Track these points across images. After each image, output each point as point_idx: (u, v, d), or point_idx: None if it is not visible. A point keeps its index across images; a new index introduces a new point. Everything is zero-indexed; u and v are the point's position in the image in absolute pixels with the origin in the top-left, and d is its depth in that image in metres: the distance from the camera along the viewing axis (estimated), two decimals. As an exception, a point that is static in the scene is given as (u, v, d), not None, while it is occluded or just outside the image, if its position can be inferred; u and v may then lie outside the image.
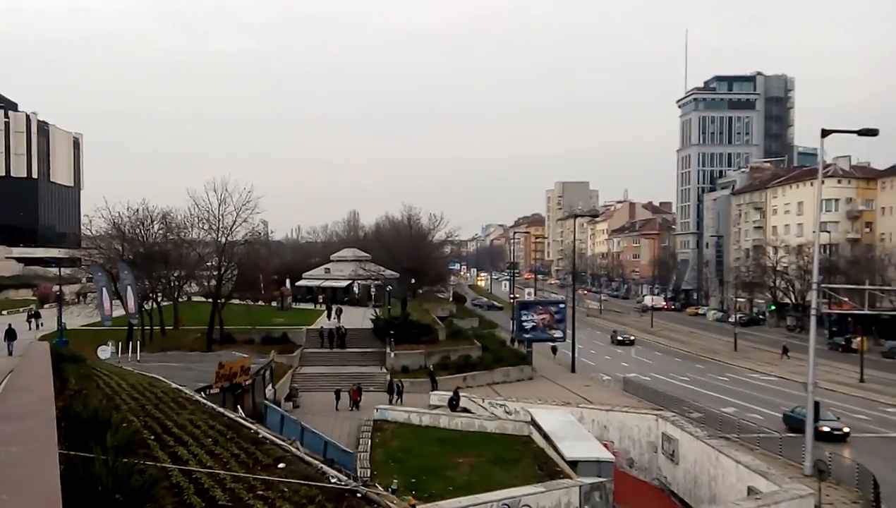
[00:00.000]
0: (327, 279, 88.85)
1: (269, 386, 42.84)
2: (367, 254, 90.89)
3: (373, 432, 34.68)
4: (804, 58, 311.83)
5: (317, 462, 15.17)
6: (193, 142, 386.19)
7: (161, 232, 62.82)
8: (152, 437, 12.72)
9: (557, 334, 64.72)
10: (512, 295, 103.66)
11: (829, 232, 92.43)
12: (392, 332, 57.11)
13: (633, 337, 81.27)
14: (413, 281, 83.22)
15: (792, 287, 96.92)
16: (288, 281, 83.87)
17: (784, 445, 32.41)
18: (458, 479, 26.68)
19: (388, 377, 49.61)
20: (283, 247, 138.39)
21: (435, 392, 46.70)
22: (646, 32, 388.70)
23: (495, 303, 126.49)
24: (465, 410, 41.06)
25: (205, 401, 23.38)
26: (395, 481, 24.24)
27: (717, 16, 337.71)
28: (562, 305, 67.92)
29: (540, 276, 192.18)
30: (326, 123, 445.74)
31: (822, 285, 33.96)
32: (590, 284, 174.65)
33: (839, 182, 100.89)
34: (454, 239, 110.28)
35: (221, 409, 22.08)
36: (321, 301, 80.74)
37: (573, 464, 26.94)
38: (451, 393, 44.02)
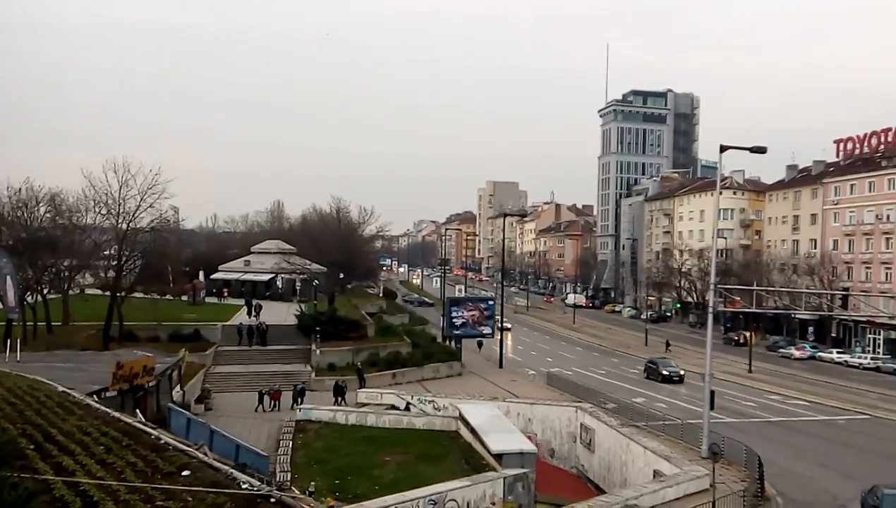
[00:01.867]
0: (247, 272, 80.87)
1: (178, 388, 38.17)
2: (291, 247, 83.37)
3: (295, 433, 32.82)
4: (708, 79, 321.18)
5: (227, 467, 13.92)
6: (93, 117, 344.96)
7: (49, 215, 54.29)
8: (31, 447, 11.38)
9: (486, 330, 63.87)
10: (456, 291, 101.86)
11: (725, 238, 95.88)
12: (318, 328, 53.52)
13: (682, 372, 58.47)
14: (341, 275, 77.39)
15: (694, 287, 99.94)
16: (201, 274, 76.96)
17: (684, 431, 33.34)
18: (384, 478, 26.17)
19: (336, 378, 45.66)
20: (196, 236, 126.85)
21: (363, 389, 44.47)
22: (574, 45, 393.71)
23: (426, 300, 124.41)
24: (393, 407, 40.38)
25: (97, 406, 21.26)
26: (313, 483, 23.14)
27: (636, 35, 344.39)
28: (491, 302, 67.09)
29: (471, 273, 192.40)
30: (251, 106, 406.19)
31: (719, 285, 34.92)
32: (518, 282, 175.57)
33: (734, 193, 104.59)
34: (385, 233, 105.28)
35: (117, 414, 20.12)
36: (225, 295, 74.05)
37: (498, 457, 27.04)
38: (377, 391, 42.91)
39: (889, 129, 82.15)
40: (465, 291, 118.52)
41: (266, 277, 79.63)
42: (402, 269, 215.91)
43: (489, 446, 28.31)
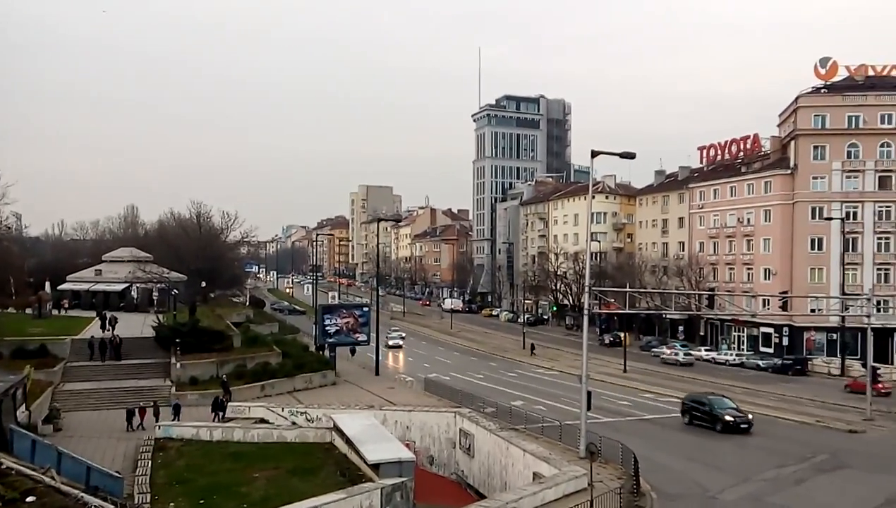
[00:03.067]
0: (98, 282, 77.66)
1: (23, 408, 35.79)
2: (148, 255, 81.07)
3: (154, 452, 31.58)
4: (581, 85, 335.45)
5: (77, 491, 13.27)
6: None
7: None
8: None
9: (362, 337, 63.53)
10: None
11: (598, 241, 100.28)
12: (178, 341, 51.65)
13: (749, 415, 42.76)
14: (203, 284, 75.50)
15: (570, 289, 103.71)
16: (48, 285, 73.17)
17: (563, 432, 34.34)
18: (253, 495, 25.41)
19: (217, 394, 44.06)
20: (41, 244, 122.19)
21: (229, 403, 43.08)
22: (447, 47, 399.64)
23: (297, 308, 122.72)
24: (263, 421, 39.41)
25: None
26: (172, 505, 22.25)
27: (509, 39, 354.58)
28: (365, 309, 66.87)
29: (345, 279, 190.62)
30: (100, 104, 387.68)
31: (593, 288, 36.36)
32: (394, 287, 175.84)
33: (607, 197, 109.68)
34: (251, 239, 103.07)
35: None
36: (65, 306, 70.65)
37: (375, 467, 26.76)
38: (245, 404, 41.62)
39: (748, 137, 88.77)
40: (339, 298, 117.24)
41: (119, 287, 76.16)
42: (270, 277, 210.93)
43: (365, 456, 27.96)
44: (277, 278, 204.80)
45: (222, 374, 49.20)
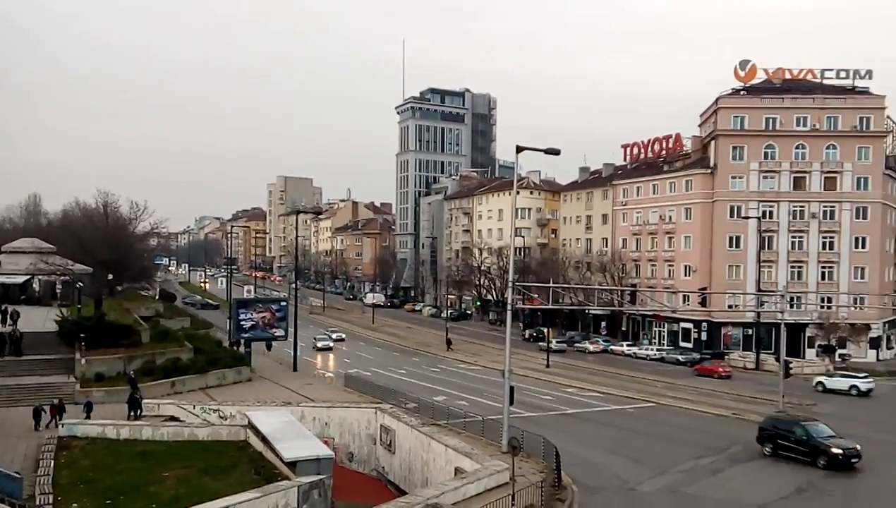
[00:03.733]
0: None
1: None
2: (51, 246, 78.04)
3: (57, 451, 30.69)
4: (507, 80, 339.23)
5: None
6: None
7: None
8: None
9: (279, 332, 62.66)
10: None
11: (523, 236, 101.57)
12: (83, 335, 50.03)
13: (858, 446, 34.60)
14: (110, 276, 73.30)
15: (494, 285, 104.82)
16: None
17: (485, 427, 34.71)
18: (163, 495, 24.91)
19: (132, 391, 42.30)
20: None
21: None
22: (370, 39, 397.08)
23: (210, 302, 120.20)
24: (174, 419, 38.41)
25: None
26: (76, 506, 21.55)
27: (434, 32, 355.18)
28: (283, 303, 65.95)
29: (262, 273, 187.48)
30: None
31: (517, 283, 36.81)
32: (314, 282, 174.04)
33: (531, 193, 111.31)
34: (161, 231, 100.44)
35: None
36: None
37: (292, 465, 26.52)
38: (154, 401, 40.51)
39: (670, 136, 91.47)
40: (255, 292, 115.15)
41: (20, 279, 73.15)
42: (182, 270, 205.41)
43: (282, 454, 27.66)
44: (190, 271, 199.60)
45: (130, 370, 47.81)
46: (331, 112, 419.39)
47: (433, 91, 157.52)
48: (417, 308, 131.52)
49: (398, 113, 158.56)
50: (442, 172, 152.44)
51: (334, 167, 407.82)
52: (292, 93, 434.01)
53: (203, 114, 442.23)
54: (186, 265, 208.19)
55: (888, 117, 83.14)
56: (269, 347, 67.12)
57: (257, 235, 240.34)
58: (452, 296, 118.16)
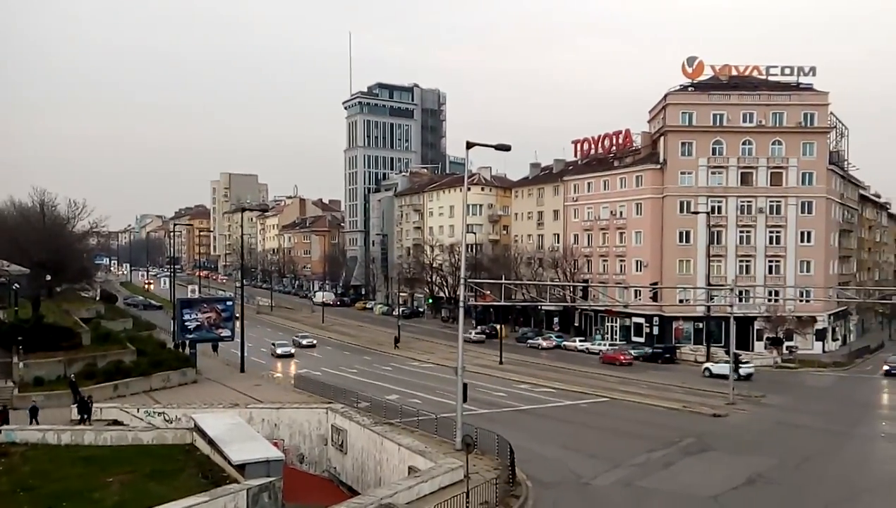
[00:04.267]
0: None
1: None
2: None
3: None
4: (456, 76, 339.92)
5: None
6: None
7: None
8: None
9: (225, 333, 61.74)
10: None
11: (474, 233, 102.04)
12: (20, 338, 49.20)
13: None
14: (48, 277, 72.21)
15: (446, 282, 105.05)
16: None
17: (439, 425, 34.82)
18: (107, 501, 24.55)
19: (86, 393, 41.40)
20: None
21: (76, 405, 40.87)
22: (316, 32, 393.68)
23: (153, 302, 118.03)
24: (117, 422, 37.60)
25: None
26: None
27: (382, 26, 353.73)
28: (229, 303, 65.15)
29: (206, 272, 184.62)
30: None
31: (469, 280, 37.02)
32: (260, 280, 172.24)
33: (483, 189, 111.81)
34: (101, 230, 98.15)
35: None
36: None
37: (241, 468, 26.33)
38: (96, 405, 39.55)
39: (620, 132, 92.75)
40: (200, 292, 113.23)
41: (-54, 281, 70.26)
42: (123, 270, 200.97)
43: (230, 457, 27.37)
44: (131, 271, 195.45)
45: (70, 374, 46.96)
46: (276, 108, 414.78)
47: (381, 86, 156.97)
48: (368, 306, 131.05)
49: (346, 108, 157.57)
50: (392, 169, 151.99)
51: (281, 164, 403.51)
52: (235, 88, 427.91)
53: (143, 108, 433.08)
54: (128, 265, 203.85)
55: (831, 113, 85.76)
56: (215, 348, 66.25)
57: (201, 234, 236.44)
58: (404, 294, 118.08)
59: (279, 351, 73.57)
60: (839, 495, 28.95)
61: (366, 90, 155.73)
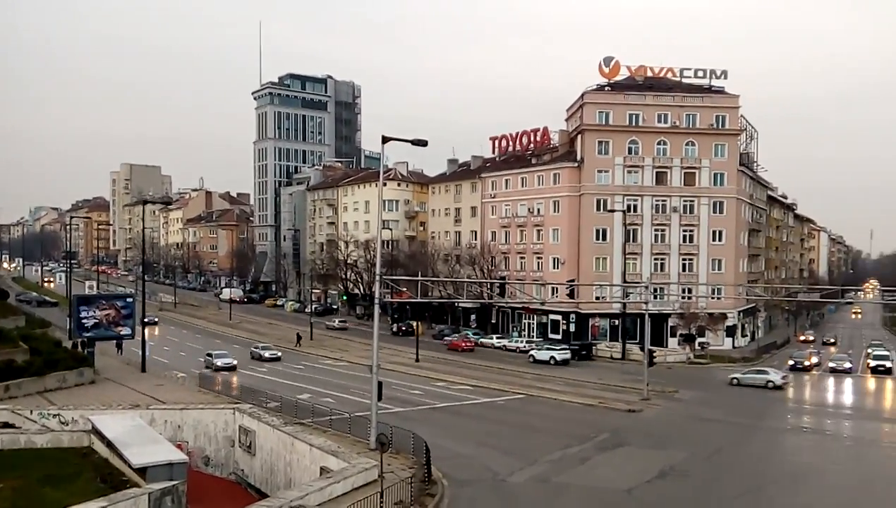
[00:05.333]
0: None
1: None
2: None
3: None
4: (374, 71, 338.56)
5: None
6: None
7: None
8: None
9: (125, 331, 59.72)
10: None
11: (390, 229, 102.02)
12: None
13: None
14: None
15: (361, 278, 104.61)
16: None
17: (353, 424, 34.65)
18: (-3, 508, 23.23)
19: None
20: None
21: None
22: (224, 21, 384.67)
23: (48, 299, 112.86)
24: (8, 425, 35.78)
25: None
26: None
27: (294, 16, 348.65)
28: (129, 299, 63.00)
29: (105, 268, 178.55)
30: None
31: (385, 276, 36.95)
32: (163, 276, 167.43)
33: (399, 185, 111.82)
34: None
35: None
36: None
37: (142, 471, 25.66)
38: None
39: (538, 129, 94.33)
40: (98, 288, 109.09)
41: None
42: (15, 264, 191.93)
43: (130, 460, 26.58)
44: (24, 266, 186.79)
45: (-47, 375, 44.08)
46: (181, 98, 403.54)
47: (293, 76, 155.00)
48: (279, 303, 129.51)
49: (255, 99, 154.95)
50: (304, 162, 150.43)
51: (186, 156, 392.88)
52: (138, 77, 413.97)
53: (37, 99, 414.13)
54: (20, 259, 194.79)
55: (742, 116, 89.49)
56: (119, 347, 63.97)
57: (100, 227, 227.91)
58: (317, 291, 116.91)
59: (218, 362, 63.28)
60: (747, 485, 30.22)
61: (276, 81, 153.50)
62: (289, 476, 31.55)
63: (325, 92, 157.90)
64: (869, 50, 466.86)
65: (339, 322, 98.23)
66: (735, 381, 58.79)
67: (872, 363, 69.75)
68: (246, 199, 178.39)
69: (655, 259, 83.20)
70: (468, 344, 79.95)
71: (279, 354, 70.89)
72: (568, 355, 70.64)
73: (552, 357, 70.09)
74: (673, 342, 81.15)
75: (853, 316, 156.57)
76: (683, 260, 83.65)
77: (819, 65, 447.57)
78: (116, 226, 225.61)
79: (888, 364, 68.86)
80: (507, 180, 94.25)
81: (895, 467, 34.34)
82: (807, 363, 70.32)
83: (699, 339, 79.50)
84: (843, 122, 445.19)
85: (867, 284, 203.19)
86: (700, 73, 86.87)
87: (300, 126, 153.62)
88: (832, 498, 28.42)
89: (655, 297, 73.46)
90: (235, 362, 64.75)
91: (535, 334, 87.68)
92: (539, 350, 72.54)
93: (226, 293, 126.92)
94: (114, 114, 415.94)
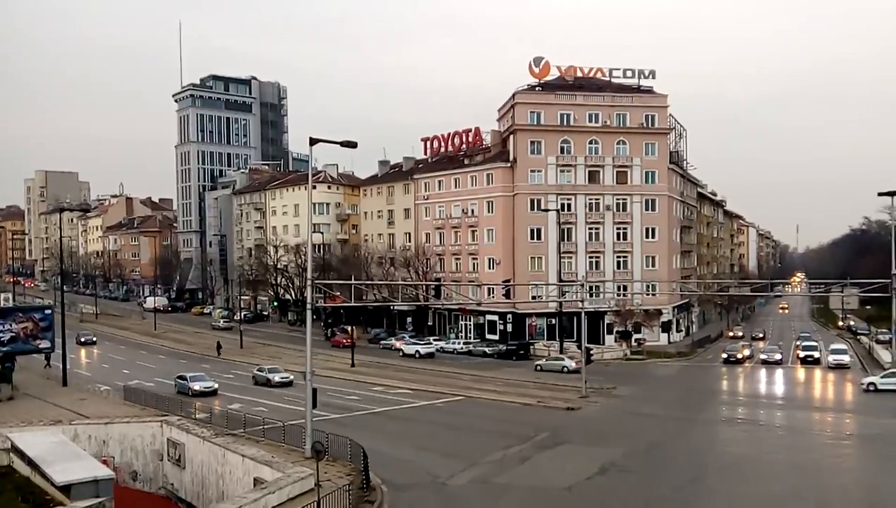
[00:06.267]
0: None
1: None
2: None
3: None
4: (302, 72, 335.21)
5: None
6: None
7: None
8: None
9: (44, 344, 57.81)
10: None
11: (322, 233, 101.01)
12: None
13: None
14: None
15: (292, 284, 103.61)
16: None
17: (287, 432, 34.20)
18: None
19: None
20: None
21: None
22: (141, 18, 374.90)
23: None
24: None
25: None
26: None
27: (216, 16, 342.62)
28: (48, 311, 61.02)
29: (21, 279, 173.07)
30: None
31: (317, 281, 36.60)
32: (83, 286, 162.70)
33: (329, 187, 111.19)
34: None
35: None
36: None
37: (66, 489, 25.20)
38: None
39: (470, 130, 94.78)
40: (14, 300, 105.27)
41: None
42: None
43: (53, 478, 26.00)
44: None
45: None
46: (98, 102, 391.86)
47: (215, 78, 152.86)
48: (207, 311, 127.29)
49: (176, 101, 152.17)
50: (229, 165, 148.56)
51: (105, 161, 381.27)
52: (53, 80, 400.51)
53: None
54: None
55: (671, 115, 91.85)
56: (48, 359, 62.13)
57: (15, 237, 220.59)
58: (246, 297, 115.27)
59: (196, 386, 54.11)
60: (685, 478, 30.95)
61: (198, 82, 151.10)
62: (221, 488, 31.03)
63: (250, 93, 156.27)
64: (795, 55, 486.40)
65: (225, 322, 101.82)
66: (538, 367, 64.92)
67: (802, 354, 72.46)
68: (169, 205, 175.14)
69: (590, 257, 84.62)
70: (347, 340, 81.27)
71: (291, 378, 57.77)
72: (433, 349, 78.01)
73: (417, 351, 77.22)
74: (610, 339, 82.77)
75: (780, 310, 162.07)
76: (618, 257, 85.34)
77: (746, 67, 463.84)
78: (32, 235, 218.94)
79: (816, 354, 71.71)
80: (440, 181, 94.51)
81: (826, 453, 35.54)
82: (740, 355, 72.74)
83: (635, 336, 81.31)
84: (768, 123, 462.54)
85: (794, 277, 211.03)
86: (629, 73, 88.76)
87: (224, 128, 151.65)
88: (768, 486, 29.29)
89: (591, 295, 74.60)
90: (216, 385, 55.20)
91: (472, 335, 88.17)
92: (406, 344, 79.16)
93: (150, 302, 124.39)
94: (27, 117, 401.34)
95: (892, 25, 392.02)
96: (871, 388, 52.78)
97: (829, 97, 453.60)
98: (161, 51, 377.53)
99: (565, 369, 63.06)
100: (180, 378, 56.69)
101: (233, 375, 65.10)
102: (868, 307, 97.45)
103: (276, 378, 58.49)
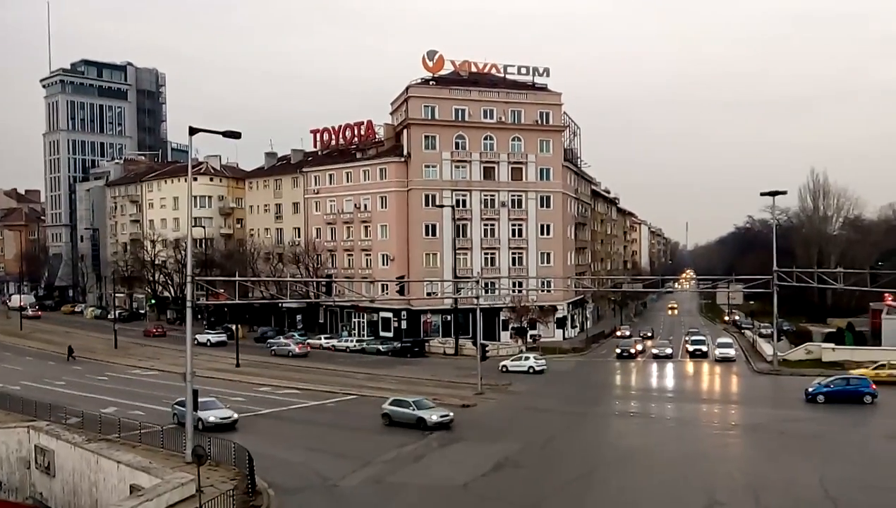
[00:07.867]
0: None
1: None
2: None
3: None
4: (180, 58, 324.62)
5: None
6: None
7: None
8: None
9: None
10: None
11: (203, 227, 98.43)
12: None
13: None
14: None
15: (171, 280, 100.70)
16: None
17: (166, 436, 33.08)
18: None
19: None
20: None
21: None
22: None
23: None
24: None
25: None
26: None
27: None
28: None
29: None
30: None
31: (199, 278, 35.49)
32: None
33: (211, 179, 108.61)
34: None
35: None
36: None
37: None
38: None
39: (362, 123, 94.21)
40: None
41: None
42: None
43: None
44: None
45: None
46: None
47: (87, 63, 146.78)
48: (78, 309, 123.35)
49: (44, 87, 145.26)
50: (102, 155, 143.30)
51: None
52: None
53: None
54: None
55: (565, 113, 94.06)
56: None
57: None
58: (121, 295, 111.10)
59: (212, 418, 39.76)
60: (579, 471, 31.67)
61: (69, 67, 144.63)
62: (94, 497, 29.95)
63: (125, 80, 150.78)
64: (676, 56, 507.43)
65: (33, 310, 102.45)
66: (504, 369, 63.34)
67: (691, 348, 75.69)
68: (36, 197, 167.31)
69: (486, 253, 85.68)
70: (159, 330, 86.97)
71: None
72: (224, 337, 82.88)
73: (208, 339, 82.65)
74: (505, 335, 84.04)
75: (669, 311, 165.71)
76: (513, 254, 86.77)
77: (639, 67, 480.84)
78: None
79: (704, 348, 75.06)
80: (331, 175, 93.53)
81: (713, 443, 37.15)
82: (632, 350, 75.34)
83: (531, 332, 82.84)
84: (657, 124, 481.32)
85: (684, 274, 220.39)
86: (524, 70, 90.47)
87: (97, 116, 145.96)
88: (658, 476, 30.36)
89: (487, 292, 75.61)
90: (236, 416, 41.45)
91: (365, 332, 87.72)
92: (200, 334, 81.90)
93: (15, 300, 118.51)
94: None
95: (770, 30, 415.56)
96: (504, 370, 61.28)
97: (710, 100, 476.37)
98: (27, 31, 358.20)
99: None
100: (179, 405, 40.02)
101: (107, 377, 62.56)
102: (752, 302, 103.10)
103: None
